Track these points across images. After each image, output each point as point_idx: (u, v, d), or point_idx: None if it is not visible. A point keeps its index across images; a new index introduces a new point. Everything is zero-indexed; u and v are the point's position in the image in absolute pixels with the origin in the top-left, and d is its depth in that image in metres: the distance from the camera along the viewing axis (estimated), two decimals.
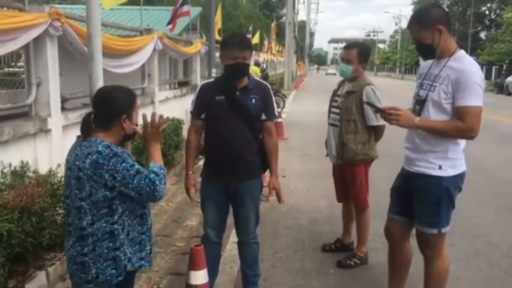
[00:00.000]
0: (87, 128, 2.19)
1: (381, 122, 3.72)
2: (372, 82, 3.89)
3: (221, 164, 3.12)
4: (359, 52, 3.88)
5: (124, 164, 2.07)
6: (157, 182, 2.10)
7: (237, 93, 3.07)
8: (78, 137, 2.24)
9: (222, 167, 3.12)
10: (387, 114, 2.83)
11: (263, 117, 3.17)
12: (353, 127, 3.87)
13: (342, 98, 3.96)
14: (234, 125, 3.06)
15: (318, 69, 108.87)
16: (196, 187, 3.30)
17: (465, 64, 2.75)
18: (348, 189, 4.14)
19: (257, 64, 22.72)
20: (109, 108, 2.18)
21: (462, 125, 2.72)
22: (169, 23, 10.25)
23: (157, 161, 2.21)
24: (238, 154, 3.09)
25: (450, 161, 2.83)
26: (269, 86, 3.31)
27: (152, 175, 2.12)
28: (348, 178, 4.08)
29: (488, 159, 8.64)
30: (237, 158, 3.09)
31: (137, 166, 2.11)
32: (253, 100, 3.10)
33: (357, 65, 3.87)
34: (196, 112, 3.18)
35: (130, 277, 2.27)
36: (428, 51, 2.86)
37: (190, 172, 3.25)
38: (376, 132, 3.95)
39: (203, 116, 3.16)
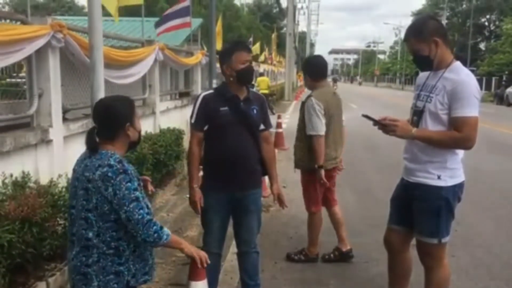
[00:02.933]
0: (92, 142, 2.19)
1: (314, 132, 3.95)
2: (321, 93, 4.05)
3: (227, 174, 3.11)
4: (301, 67, 4.32)
5: (128, 184, 2.08)
6: (151, 222, 2.12)
7: (241, 103, 3.11)
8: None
9: (228, 178, 3.11)
10: (384, 126, 2.85)
11: (262, 126, 3.23)
12: (299, 135, 4.22)
13: None
14: (239, 135, 3.09)
15: None
16: (201, 200, 3.21)
17: (461, 75, 2.78)
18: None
19: (261, 74, 22.84)
20: (112, 119, 2.20)
21: (459, 135, 2.74)
22: (158, 26, 9.52)
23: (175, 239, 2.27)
24: (245, 164, 3.11)
25: (449, 171, 2.85)
26: (263, 97, 3.41)
27: (154, 220, 2.15)
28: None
29: (488, 169, 8.64)
30: (244, 168, 3.11)
31: (138, 193, 2.12)
32: (255, 110, 3.15)
33: (302, 79, 4.31)
34: (198, 123, 3.15)
35: None
36: (425, 62, 2.90)
37: (195, 186, 3.17)
38: (311, 142, 4.04)
39: (206, 127, 3.14)
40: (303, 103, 4.15)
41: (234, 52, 3.09)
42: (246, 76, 3.11)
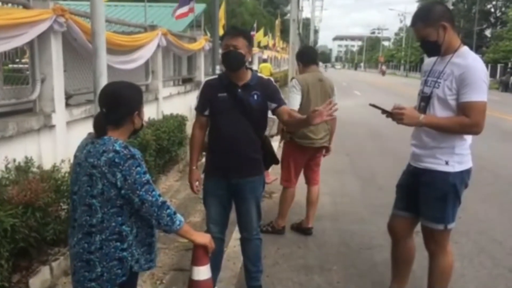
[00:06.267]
0: (101, 126, 2.16)
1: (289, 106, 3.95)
2: (303, 77, 4.49)
3: (223, 160, 3.13)
4: (296, 57, 4.89)
5: (138, 169, 2.07)
6: (165, 204, 2.14)
7: (239, 90, 3.08)
8: (90, 133, 2.23)
9: (225, 163, 3.12)
10: (391, 114, 2.82)
11: (273, 106, 3.12)
12: None
13: None
14: (237, 122, 3.07)
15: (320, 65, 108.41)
16: (200, 182, 3.32)
17: (469, 60, 2.74)
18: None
19: (264, 60, 22.61)
20: (122, 105, 2.16)
21: (467, 120, 2.71)
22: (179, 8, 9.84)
23: (187, 229, 2.30)
24: (241, 151, 3.10)
25: (457, 157, 2.83)
26: (271, 79, 3.29)
27: (168, 203, 2.16)
28: None
29: (492, 156, 8.61)
30: (240, 155, 3.10)
31: (148, 175, 2.12)
32: (255, 96, 3.09)
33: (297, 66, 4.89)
34: (200, 108, 3.20)
35: (134, 277, 2.26)
36: (433, 48, 2.85)
37: (194, 168, 3.28)
38: None
39: (206, 112, 3.18)
40: None
41: (224, 38, 3.10)
42: (225, 61, 3.06)
